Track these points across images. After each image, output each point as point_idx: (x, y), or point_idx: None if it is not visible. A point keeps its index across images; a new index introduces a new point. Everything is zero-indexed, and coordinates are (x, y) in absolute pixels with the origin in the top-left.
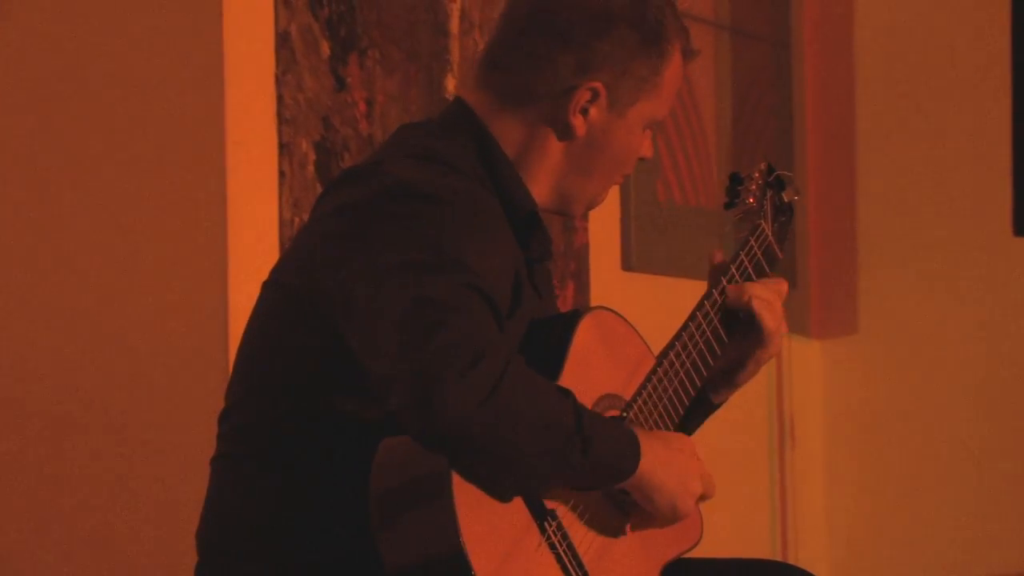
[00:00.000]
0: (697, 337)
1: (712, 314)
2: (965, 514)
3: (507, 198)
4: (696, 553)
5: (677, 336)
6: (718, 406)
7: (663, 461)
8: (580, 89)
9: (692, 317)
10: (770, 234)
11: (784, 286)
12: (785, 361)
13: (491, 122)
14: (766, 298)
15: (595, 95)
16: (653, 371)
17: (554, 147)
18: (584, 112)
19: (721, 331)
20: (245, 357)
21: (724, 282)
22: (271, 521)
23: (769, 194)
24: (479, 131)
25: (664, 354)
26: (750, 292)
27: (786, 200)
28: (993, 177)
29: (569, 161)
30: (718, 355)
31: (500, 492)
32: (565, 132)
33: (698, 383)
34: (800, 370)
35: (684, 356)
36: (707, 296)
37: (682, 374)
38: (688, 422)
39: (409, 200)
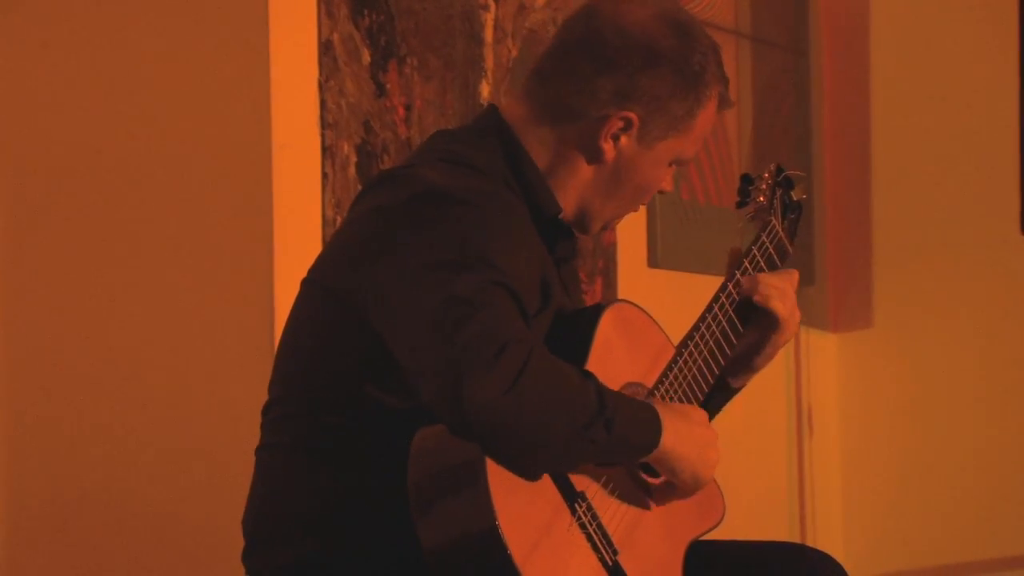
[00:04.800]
0: (714, 327)
1: (727, 305)
2: (976, 500)
3: (533, 202)
4: (719, 535)
5: (695, 327)
6: (738, 390)
7: (682, 434)
8: (614, 117)
9: (708, 308)
10: (780, 230)
11: (795, 276)
12: (803, 354)
13: (524, 131)
14: (778, 286)
15: (628, 124)
16: (674, 360)
17: (582, 167)
18: (615, 139)
19: (736, 321)
20: (285, 352)
21: (737, 275)
22: (313, 507)
23: (779, 193)
24: (509, 138)
25: (684, 344)
26: (762, 282)
27: (795, 199)
28: (1002, 178)
29: (594, 182)
30: (734, 343)
31: (530, 473)
32: (594, 155)
33: (716, 370)
34: (817, 362)
35: (702, 345)
36: (722, 288)
37: (700, 362)
38: (709, 407)
39: (439, 203)
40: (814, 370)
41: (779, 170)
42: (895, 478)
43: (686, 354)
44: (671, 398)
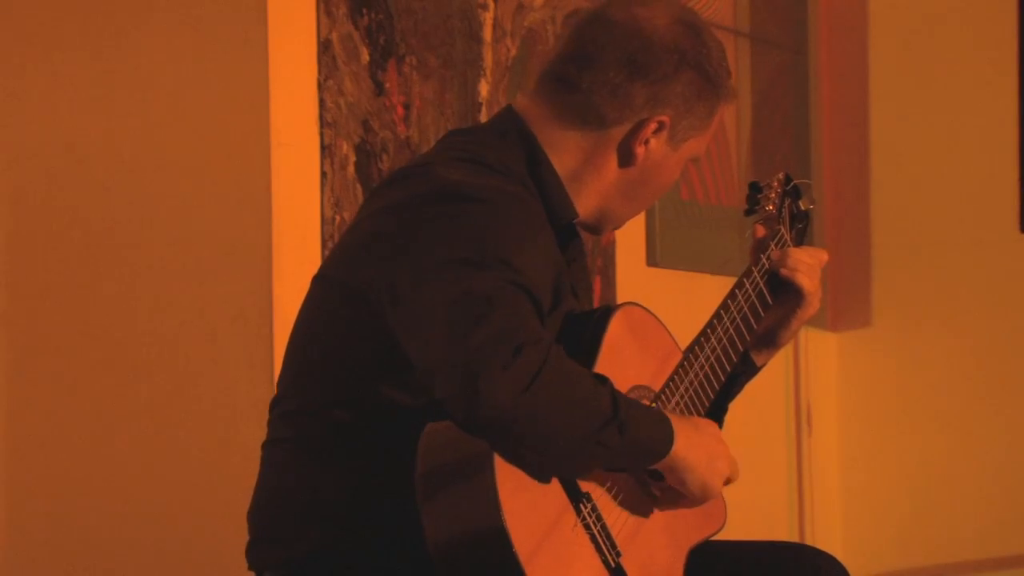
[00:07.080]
0: (743, 304)
1: (759, 279)
2: (976, 498)
3: (549, 204)
4: (719, 536)
5: (723, 303)
6: (760, 368)
7: (694, 443)
8: (650, 121)
9: (739, 285)
10: (789, 240)
11: (824, 255)
12: (802, 352)
13: (546, 134)
14: (806, 261)
15: (660, 127)
16: (700, 338)
17: (611, 170)
18: (646, 142)
19: (767, 294)
20: (295, 347)
21: (763, 258)
22: (319, 501)
23: (787, 202)
24: (528, 139)
25: (714, 319)
26: (791, 256)
27: (803, 208)
28: (1001, 177)
29: (620, 185)
30: (762, 316)
31: (541, 474)
32: (626, 158)
33: (741, 347)
34: (816, 361)
35: (728, 321)
36: (754, 263)
37: (725, 340)
38: (731, 387)
39: (456, 201)
40: (813, 369)
41: (788, 179)
42: (894, 477)
43: (711, 333)
44: (682, 395)
